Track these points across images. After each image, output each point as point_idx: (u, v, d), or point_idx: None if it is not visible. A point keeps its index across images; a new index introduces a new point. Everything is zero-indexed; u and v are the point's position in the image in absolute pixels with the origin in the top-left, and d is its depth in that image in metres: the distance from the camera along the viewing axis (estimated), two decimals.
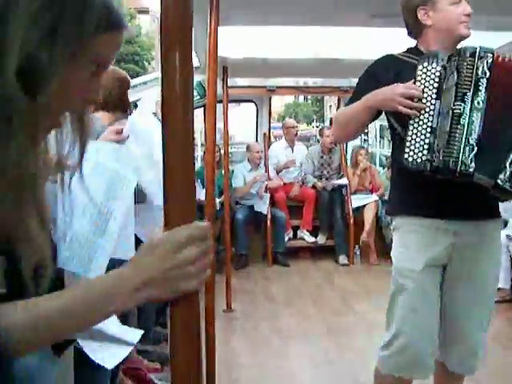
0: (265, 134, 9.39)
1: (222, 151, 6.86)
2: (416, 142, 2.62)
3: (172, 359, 1.20)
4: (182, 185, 1.16)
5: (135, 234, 2.76)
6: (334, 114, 3.09)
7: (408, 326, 2.83)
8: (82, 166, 1.57)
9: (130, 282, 1.15)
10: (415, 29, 2.94)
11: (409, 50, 2.96)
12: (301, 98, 46.40)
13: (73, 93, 1.25)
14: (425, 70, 2.66)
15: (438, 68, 2.63)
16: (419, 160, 2.61)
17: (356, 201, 8.67)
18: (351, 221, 8.39)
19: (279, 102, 43.17)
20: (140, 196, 3.55)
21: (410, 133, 2.64)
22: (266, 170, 8.77)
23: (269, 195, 8.55)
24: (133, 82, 7.10)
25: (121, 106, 3.88)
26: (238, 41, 6.55)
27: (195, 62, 6.96)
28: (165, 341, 5.28)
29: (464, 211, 2.77)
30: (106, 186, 2.25)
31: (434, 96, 2.63)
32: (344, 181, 8.84)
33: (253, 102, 9.81)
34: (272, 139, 10.98)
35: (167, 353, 4.85)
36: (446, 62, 2.63)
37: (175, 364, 1.19)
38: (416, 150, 2.62)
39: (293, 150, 9.32)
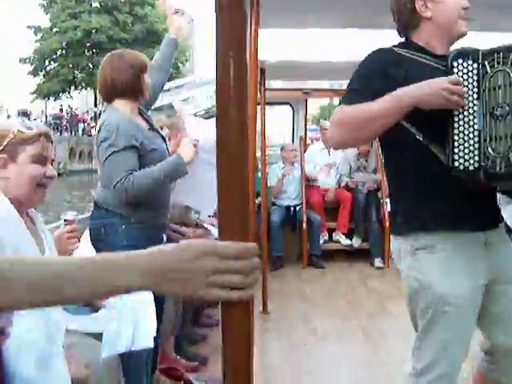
0: (301, 137, 9.42)
1: (258, 153, 6.90)
2: (465, 147, 2.41)
3: (224, 363, 1.23)
4: (236, 196, 1.18)
5: None
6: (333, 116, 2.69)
7: (449, 354, 2.64)
8: None
9: (140, 263, 1.16)
10: (411, 22, 2.71)
11: (404, 45, 2.72)
12: (336, 100, 46.31)
13: None
14: (461, 68, 2.47)
15: (475, 65, 2.46)
16: (471, 168, 2.41)
17: None
18: (387, 224, 8.37)
19: (314, 105, 43.12)
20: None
21: (456, 137, 2.43)
22: (302, 172, 8.79)
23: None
24: (167, 85, 7.21)
25: (137, 92, 3.76)
26: (275, 43, 6.59)
27: None
28: (202, 341, 5.35)
29: (493, 218, 2.67)
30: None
31: (475, 96, 2.44)
32: (376, 176, 8.88)
33: (289, 104, 9.85)
34: (308, 141, 10.99)
35: (204, 353, 4.92)
36: (482, 60, 2.45)
37: (227, 368, 1.23)
38: (467, 157, 2.41)
39: (329, 152, 9.33)
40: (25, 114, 43.62)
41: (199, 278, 1.15)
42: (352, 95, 2.58)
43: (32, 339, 2.20)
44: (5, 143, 2.44)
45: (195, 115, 10.46)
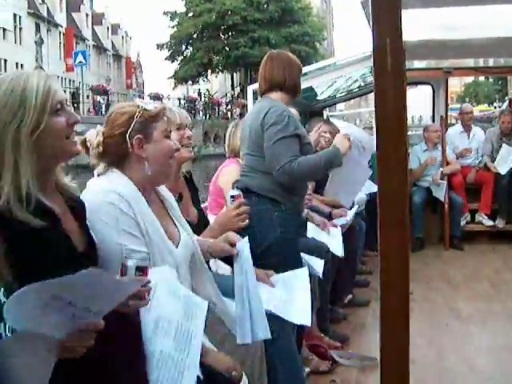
0: (442, 117, 9.23)
1: None
2: None
3: (382, 348, 1.32)
4: (397, 210, 1.25)
5: None
6: None
7: None
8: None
9: None
10: None
11: None
12: (481, 77, 44.82)
13: None
14: None
15: None
16: None
17: None
18: None
19: (458, 82, 41.83)
20: None
21: None
22: (443, 153, 8.64)
23: (446, 182, 8.44)
24: (306, 68, 7.27)
25: (294, 89, 4.06)
26: (415, 23, 6.52)
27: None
28: (343, 320, 5.43)
29: None
30: (182, 307, 2.28)
31: None
32: None
33: (429, 84, 9.69)
34: (452, 121, 10.77)
35: (344, 333, 5.01)
36: None
37: (385, 351, 1.31)
38: None
39: (469, 135, 9.11)
40: (157, 97, 44.96)
41: None
42: None
43: (171, 315, 2.23)
44: (133, 122, 2.50)
45: (335, 97, 10.52)
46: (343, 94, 10.61)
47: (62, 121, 2.05)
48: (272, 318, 3.15)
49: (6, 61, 44.19)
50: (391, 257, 1.60)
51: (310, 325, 3.35)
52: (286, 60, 4.04)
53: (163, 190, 2.79)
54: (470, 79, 45.77)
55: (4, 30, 44.71)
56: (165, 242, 2.52)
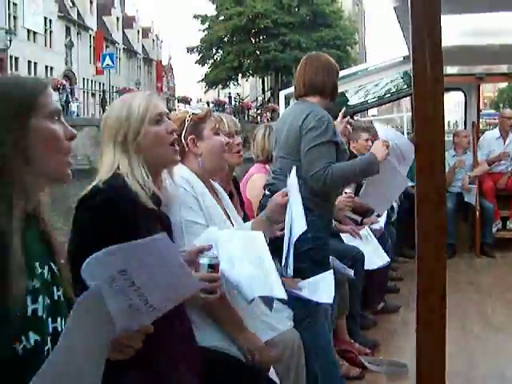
0: (473, 123, 9.19)
1: None
2: None
3: (418, 360, 1.33)
4: (435, 213, 1.27)
5: None
6: None
7: None
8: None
9: None
10: None
11: None
12: None
13: None
14: None
15: None
16: None
17: None
18: None
19: (491, 87, 41.30)
20: None
21: None
22: (475, 158, 8.58)
23: (475, 186, 8.37)
24: (344, 72, 7.27)
25: (331, 92, 4.06)
26: (448, 29, 6.49)
27: (405, 51, 6.98)
28: (373, 326, 5.43)
29: None
30: (243, 243, 2.71)
31: None
32: None
33: (461, 90, 9.64)
34: (484, 126, 10.70)
35: (375, 339, 5.00)
36: None
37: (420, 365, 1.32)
38: None
39: (505, 141, 9.02)
40: (185, 100, 45.12)
41: None
42: None
43: (238, 253, 2.62)
44: (186, 125, 2.92)
45: (366, 103, 10.49)
46: (375, 99, 10.59)
47: (161, 129, 2.47)
48: (303, 306, 3.33)
49: (36, 64, 44.39)
50: (429, 259, 1.63)
51: (331, 301, 3.45)
52: (325, 63, 4.03)
53: (216, 184, 3.15)
54: (504, 84, 45.20)
55: (34, 33, 44.93)
56: (222, 218, 2.92)
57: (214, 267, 2.34)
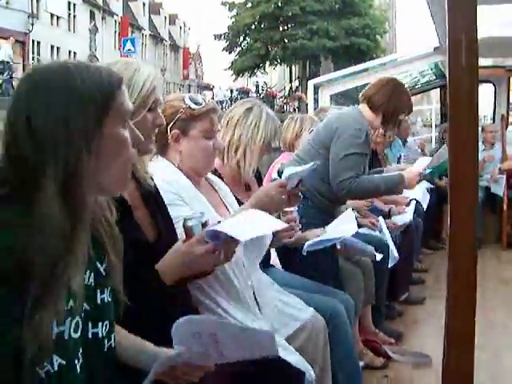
0: (503, 116, 9.13)
1: None
2: None
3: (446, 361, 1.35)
4: (468, 199, 1.30)
5: None
6: None
7: None
8: None
9: None
10: None
11: None
12: None
13: None
14: None
15: None
16: None
17: None
18: None
19: None
20: None
21: None
22: (504, 151, 8.54)
23: (504, 177, 8.34)
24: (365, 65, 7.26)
25: (387, 121, 4.21)
26: (479, 20, 6.44)
27: (435, 43, 6.94)
28: (398, 317, 5.45)
29: None
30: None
31: None
32: None
33: (491, 82, 9.57)
34: None
35: (399, 329, 5.02)
36: None
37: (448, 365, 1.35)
38: None
39: None
40: (207, 87, 44.84)
41: None
42: None
43: None
44: (176, 118, 2.69)
45: None
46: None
47: (149, 119, 2.20)
48: (328, 304, 3.35)
49: (58, 48, 44.13)
50: (460, 249, 1.65)
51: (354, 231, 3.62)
52: (395, 88, 4.15)
53: (216, 180, 3.00)
54: None
55: (58, 17, 44.55)
56: (208, 210, 2.65)
57: (205, 224, 2.09)
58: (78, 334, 1.53)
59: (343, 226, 3.63)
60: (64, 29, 45.55)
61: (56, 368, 1.45)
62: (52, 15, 44.04)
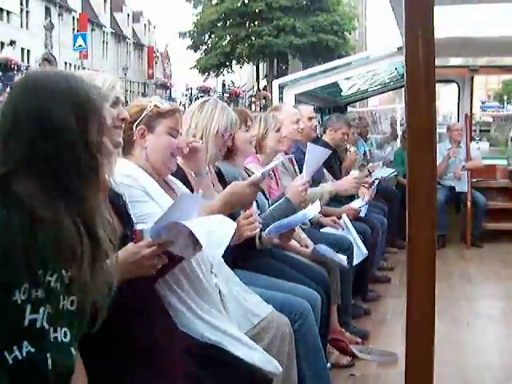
0: (466, 115, 9.23)
1: None
2: None
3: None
4: (426, 202, 1.30)
5: None
6: None
7: None
8: None
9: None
10: None
11: None
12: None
13: None
14: None
15: None
16: None
17: None
18: None
19: (496, 79, 40.57)
20: None
21: None
22: (467, 150, 8.64)
23: (466, 172, 8.45)
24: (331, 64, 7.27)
25: None
26: (441, 20, 6.49)
27: (399, 42, 6.99)
28: (364, 315, 5.47)
29: None
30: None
31: None
32: None
33: (455, 82, 9.67)
34: (488, 119, 10.78)
35: (366, 329, 5.05)
36: None
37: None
38: None
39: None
40: (164, 86, 44.25)
41: None
42: None
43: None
44: (143, 115, 2.83)
45: (359, 93, 10.51)
46: (367, 90, 10.62)
47: (114, 113, 2.40)
48: (294, 303, 3.36)
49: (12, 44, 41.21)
50: (419, 250, 1.67)
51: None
52: None
53: (174, 180, 3.07)
54: (508, 76, 44.49)
55: (8, 12, 41.64)
56: None
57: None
58: (51, 326, 1.54)
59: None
60: (16, 25, 42.56)
61: (24, 354, 1.46)
62: (2, 10, 40.99)
